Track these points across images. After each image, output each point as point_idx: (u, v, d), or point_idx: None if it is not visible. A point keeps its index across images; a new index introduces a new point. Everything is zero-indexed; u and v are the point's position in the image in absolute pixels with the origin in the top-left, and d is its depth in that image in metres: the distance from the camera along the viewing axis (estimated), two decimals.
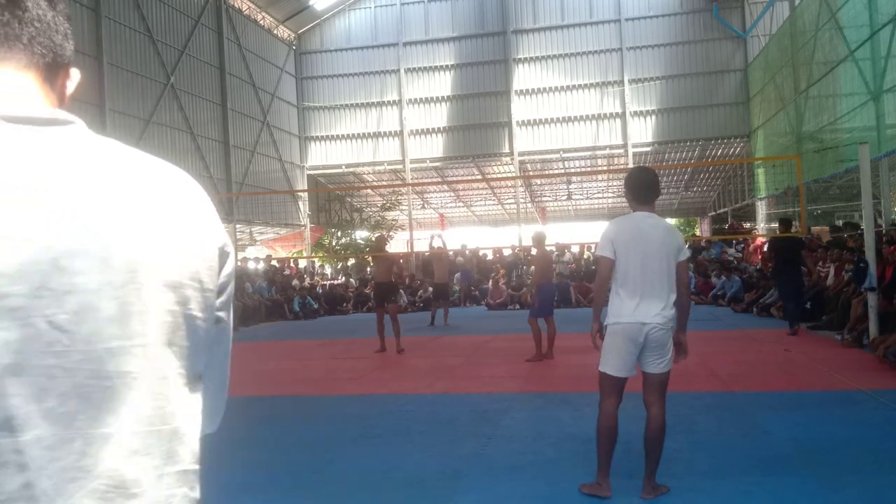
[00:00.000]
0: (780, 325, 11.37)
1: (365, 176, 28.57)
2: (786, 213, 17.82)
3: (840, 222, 18.03)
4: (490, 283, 18.21)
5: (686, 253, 3.81)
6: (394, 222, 28.33)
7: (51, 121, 0.82)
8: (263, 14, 24.89)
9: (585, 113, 25.27)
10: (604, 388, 3.74)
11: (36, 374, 0.74)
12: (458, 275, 19.08)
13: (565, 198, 30.73)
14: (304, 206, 27.36)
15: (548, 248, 9.52)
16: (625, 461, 4.34)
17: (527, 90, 25.67)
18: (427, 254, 16.78)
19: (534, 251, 9.68)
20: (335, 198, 31.16)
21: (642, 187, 3.79)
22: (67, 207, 0.77)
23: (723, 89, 24.50)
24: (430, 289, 15.59)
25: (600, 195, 30.68)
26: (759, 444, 4.60)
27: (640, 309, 3.60)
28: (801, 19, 17.28)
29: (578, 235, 29.51)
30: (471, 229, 33.47)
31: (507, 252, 21.83)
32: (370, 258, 23.24)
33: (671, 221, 37.62)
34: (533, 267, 18.80)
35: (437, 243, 15.07)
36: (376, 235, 11.21)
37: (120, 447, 0.80)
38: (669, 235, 3.74)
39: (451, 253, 20.52)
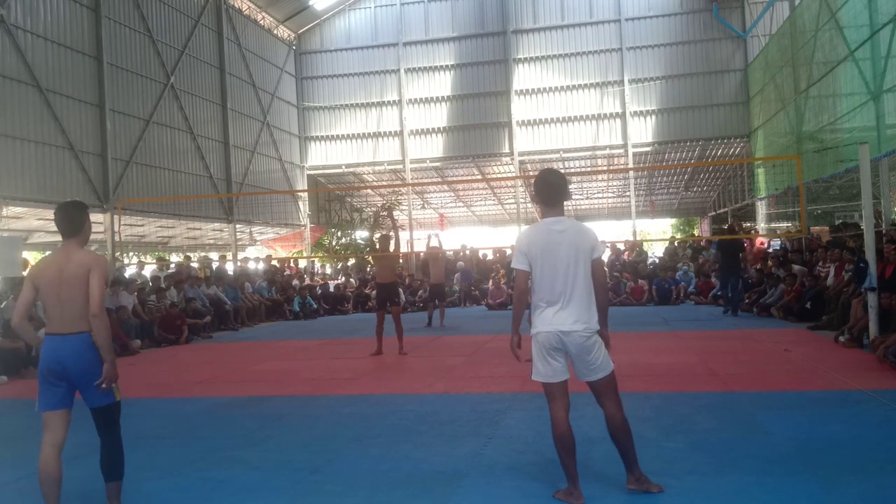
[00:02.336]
0: (780, 325, 11.39)
1: (365, 176, 28.57)
2: (725, 223, 22.68)
3: (845, 221, 18.03)
4: (490, 283, 18.21)
5: (600, 250, 3.80)
6: (382, 216, 28.27)
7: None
8: (263, 14, 24.89)
9: (585, 113, 25.27)
10: (548, 396, 3.77)
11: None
12: (457, 275, 19.07)
13: None
14: (304, 206, 27.37)
15: None
16: (623, 462, 4.34)
17: (527, 90, 25.67)
18: (422, 254, 16.76)
19: None
20: (335, 198, 31.16)
21: (550, 191, 3.79)
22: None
23: (723, 89, 24.50)
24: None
25: (600, 195, 30.68)
26: (759, 444, 4.60)
27: (557, 317, 3.64)
28: (801, 19, 17.28)
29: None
30: (471, 229, 33.50)
31: (507, 252, 21.80)
32: (370, 258, 23.23)
33: (671, 221, 37.82)
34: None
35: (433, 243, 15.02)
36: (379, 235, 11.00)
37: None
38: (579, 237, 3.72)
39: (450, 253, 20.53)
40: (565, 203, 3.93)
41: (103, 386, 3.56)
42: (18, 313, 3.69)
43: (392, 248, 10.16)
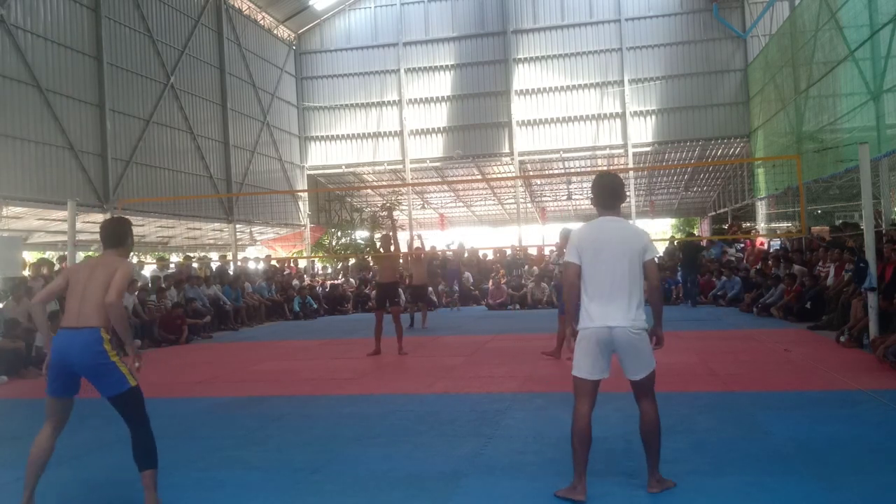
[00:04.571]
0: (780, 325, 11.39)
1: (365, 176, 28.57)
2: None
3: (845, 221, 18.06)
4: (490, 283, 18.21)
5: (653, 251, 3.85)
6: (381, 216, 28.28)
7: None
8: (263, 14, 24.89)
9: (585, 113, 25.28)
10: (577, 391, 3.78)
11: None
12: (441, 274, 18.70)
13: (565, 198, 30.73)
14: (304, 206, 27.37)
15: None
16: (624, 461, 4.35)
17: (527, 90, 25.68)
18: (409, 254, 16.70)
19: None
20: (335, 198, 31.16)
21: (607, 194, 3.87)
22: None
23: (723, 89, 24.51)
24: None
25: None
26: (759, 444, 4.60)
27: (606, 312, 3.66)
28: (801, 19, 17.28)
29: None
30: (471, 229, 33.50)
31: (507, 252, 21.79)
32: (369, 258, 23.22)
33: (671, 221, 37.83)
34: (530, 266, 18.81)
35: (416, 244, 14.95)
36: (381, 235, 10.97)
37: None
38: (634, 237, 3.80)
39: (450, 253, 20.48)
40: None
41: (136, 366, 3.77)
42: (41, 296, 3.99)
43: (393, 248, 10.16)
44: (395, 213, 27.73)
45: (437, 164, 27.05)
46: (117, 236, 3.99)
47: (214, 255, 22.79)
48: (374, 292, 18.46)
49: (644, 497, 3.75)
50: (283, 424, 5.79)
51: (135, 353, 3.80)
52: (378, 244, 10.49)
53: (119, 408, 3.72)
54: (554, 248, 9.77)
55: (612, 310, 3.66)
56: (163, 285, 13.87)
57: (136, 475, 4.29)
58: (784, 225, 22.38)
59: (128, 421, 3.74)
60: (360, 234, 30.29)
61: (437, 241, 26.32)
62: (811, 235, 15.61)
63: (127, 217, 4.49)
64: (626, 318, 3.66)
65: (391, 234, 10.29)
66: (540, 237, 30.19)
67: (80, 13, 16.20)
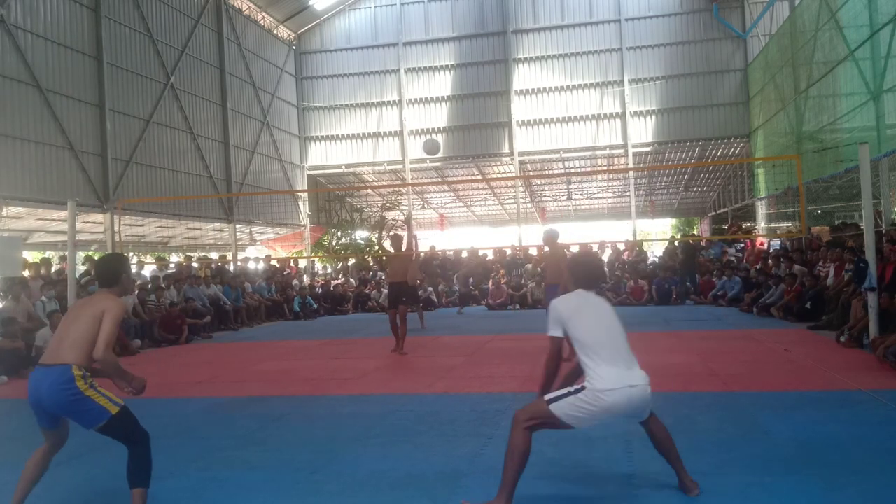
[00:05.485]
0: (780, 325, 11.39)
1: (365, 176, 28.57)
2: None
3: (845, 221, 18.11)
4: (490, 282, 18.21)
5: None
6: (394, 222, 28.26)
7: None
8: (263, 14, 24.89)
9: (585, 113, 25.28)
10: (548, 425, 3.56)
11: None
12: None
13: (565, 198, 30.73)
14: (304, 206, 27.37)
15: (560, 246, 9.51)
16: (625, 461, 4.34)
17: (527, 90, 25.67)
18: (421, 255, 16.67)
19: (546, 249, 9.67)
20: (335, 198, 31.16)
21: (589, 275, 3.87)
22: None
23: (723, 89, 24.51)
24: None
25: (600, 195, 30.66)
26: (759, 444, 4.60)
27: (622, 372, 3.51)
28: (801, 19, 17.28)
29: (578, 235, 29.56)
30: (471, 229, 33.51)
31: (507, 252, 21.78)
32: (369, 258, 23.22)
33: (671, 221, 37.83)
34: (529, 266, 18.80)
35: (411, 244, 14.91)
36: (392, 234, 10.98)
37: None
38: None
39: (450, 253, 20.49)
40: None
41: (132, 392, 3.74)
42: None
43: (405, 248, 10.19)
44: (395, 214, 27.92)
45: (437, 164, 27.04)
46: (111, 274, 3.80)
47: (214, 255, 22.79)
48: (373, 292, 18.67)
49: (644, 497, 3.75)
50: (283, 424, 5.79)
51: (142, 382, 3.74)
52: (388, 244, 10.48)
53: (108, 435, 3.62)
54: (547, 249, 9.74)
55: (624, 368, 3.53)
56: (162, 285, 13.88)
57: None
58: (784, 225, 22.38)
59: (123, 443, 3.64)
60: (360, 234, 30.30)
61: (438, 241, 26.38)
62: (811, 235, 15.62)
63: (122, 254, 4.28)
64: (640, 374, 3.56)
65: (401, 233, 10.32)
66: (540, 237, 30.15)
67: (80, 13, 16.20)
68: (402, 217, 27.68)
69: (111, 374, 3.61)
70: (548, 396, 3.57)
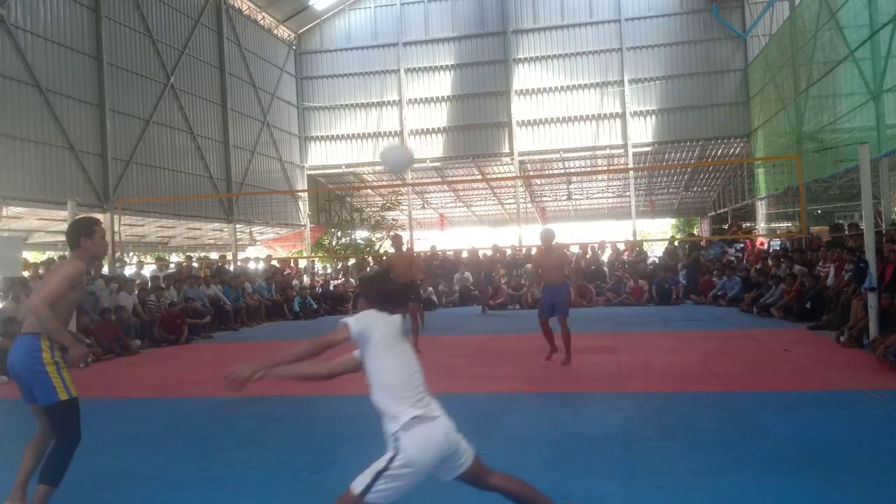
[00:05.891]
0: (780, 325, 11.39)
1: (365, 176, 28.57)
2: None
3: (846, 223, 18.12)
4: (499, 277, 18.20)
5: None
6: (394, 222, 28.34)
7: None
8: (263, 14, 24.89)
9: (585, 113, 25.28)
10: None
11: None
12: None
13: (565, 198, 30.73)
14: (304, 206, 27.37)
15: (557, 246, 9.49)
16: (625, 461, 4.34)
17: (527, 90, 25.68)
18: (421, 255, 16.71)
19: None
20: (335, 198, 31.16)
21: (386, 294, 3.31)
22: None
23: (723, 89, 24.51)
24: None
25: (600, 195, 30.67)
26: (759, 444, 4.60)
27: (434, 416, 3.15)
28: (801, 19, 17.28)
29: (578, 236, 29.56)
30: (471, 229, 33.51)
31: (507, 252, 21.77)
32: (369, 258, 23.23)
33: (671, 221, 37.84)
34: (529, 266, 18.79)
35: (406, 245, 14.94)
36: (392, 234, 11.01)
37: None
38: None
39: (450, 253, 20.47)
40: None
41: (80, 365, 3.66)
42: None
43: (405, 249, 10.19)
44: (395, 213, 27.92)
45: (437, 164, 27.05)
46: (72, 237, 3.76)
47: (214, 255, 22.79)
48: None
49: (644, 497, 3.74)
50: (283, 424, 5.79)
51: (78, 353, 3.55)
52: (391, 244, 10.53)
53: (48, 419, 3.59)
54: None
55: (434, 407, 3.14)
56: (162, 285, 13.88)
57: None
58: (784, 225, 22.38)
59: (54, 432, 3.59)
60: (360, 234, 30.31)
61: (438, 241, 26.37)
62: (811, 235, 15.62)
63: (92, 216, 4.23)
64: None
65: (399, 233, 10.34)
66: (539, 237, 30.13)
67: (80, 13, 16.20)
68: (401, 218, 27.76)
69: (46, 330, 3.49)
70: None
